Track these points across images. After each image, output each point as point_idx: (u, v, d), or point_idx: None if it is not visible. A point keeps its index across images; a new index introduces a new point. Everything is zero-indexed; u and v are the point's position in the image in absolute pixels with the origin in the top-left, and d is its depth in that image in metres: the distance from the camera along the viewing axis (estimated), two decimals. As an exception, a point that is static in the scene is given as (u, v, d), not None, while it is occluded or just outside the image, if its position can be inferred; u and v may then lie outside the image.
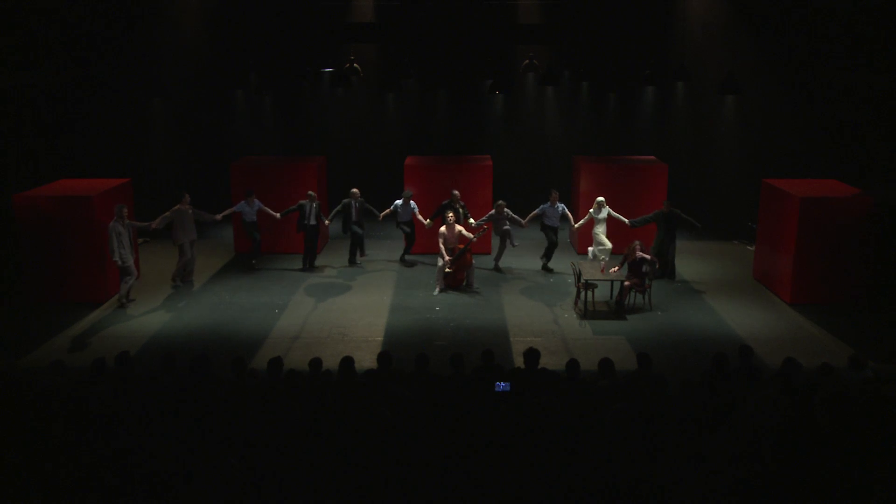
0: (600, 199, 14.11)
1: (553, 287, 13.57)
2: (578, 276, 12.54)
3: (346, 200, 14.39)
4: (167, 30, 16.80)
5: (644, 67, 17.36)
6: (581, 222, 14.37)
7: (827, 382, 7.61)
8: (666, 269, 13.72)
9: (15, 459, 6.21)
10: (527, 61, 18.59)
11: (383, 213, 14.52)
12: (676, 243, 13.85)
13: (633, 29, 17.99)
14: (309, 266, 14.40)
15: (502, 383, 7.52)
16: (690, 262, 14.75)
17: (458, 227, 13.29)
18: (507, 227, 14.12)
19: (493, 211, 14.14)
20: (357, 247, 14.70)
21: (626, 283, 12.09)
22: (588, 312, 12.17)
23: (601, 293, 12.69)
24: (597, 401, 7.16)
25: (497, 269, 14.45)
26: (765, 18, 15.53)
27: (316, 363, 7.94)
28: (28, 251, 12.43)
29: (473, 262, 13.47)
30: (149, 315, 12.09)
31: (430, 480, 6.06)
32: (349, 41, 18.35)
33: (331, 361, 8.59)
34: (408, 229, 14.69)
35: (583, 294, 12.31)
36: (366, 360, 10.11)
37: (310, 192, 14.25)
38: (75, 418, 6.78)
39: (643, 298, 12.47)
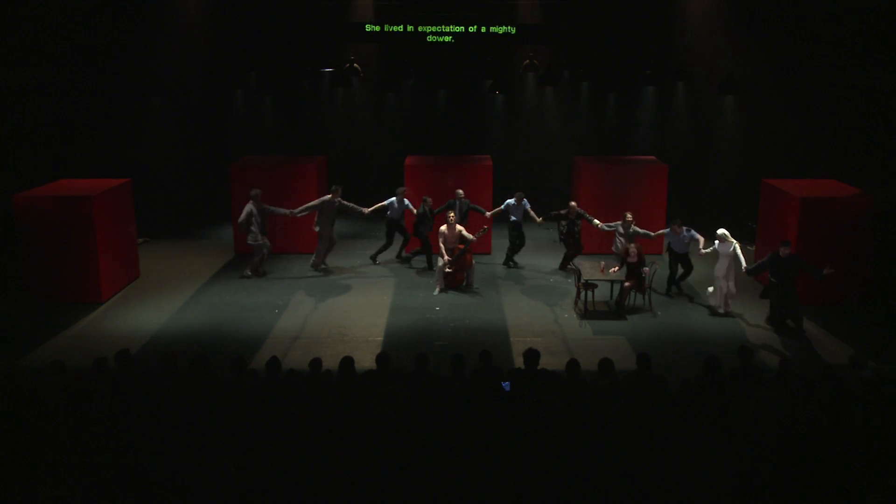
0: (722, 231, 12.08)
1: (553, 287, 13.57)
2: (578, 276, 12.54)
3: (451, 201, 14.35)
4: (167, 30, 16.81)
5: (644, 67, 17.37)
6: (705, 251, 12.47)
7: (827, 382, 7.60)
8: (791, 320, 11.49)
9: (15, 459, 6.21)
10: (527, 61, 18.59)
11: (492, 213, 14.45)
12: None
13: (633, 29, 18.00)
14: (428, 266, 14.51)
15: (506, 383, 7.54)
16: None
17: (459, 227, 13.29)
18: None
19: (619, 222, 13.31)
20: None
21: (627, 283, 12.08)
22: (588, 312, 12.17)
23: (601, 293, 12.69)
24: (597, 401, 7.16)
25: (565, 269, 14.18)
26: (765, 18, 15.53)
27: (316, 363, 7.94)
28: (28, 251, 12.43)
29: (474, 262, 13.47)
30: (149, 315, 12.08)
31: (430, 480, 6.06)
32: (349, 41, 18.37)
33: (331, 361, 8.59)
34: (514, 231, 14.47)
35: (583, 294, 12.31)
36: (366, 360, 10.10)
37: (426, 198, 14.27)
38: (75, 418, 6.79)
39: (643, 299, 12.47)
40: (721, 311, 12.07)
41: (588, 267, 12.81)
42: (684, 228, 12.71)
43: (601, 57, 18.13)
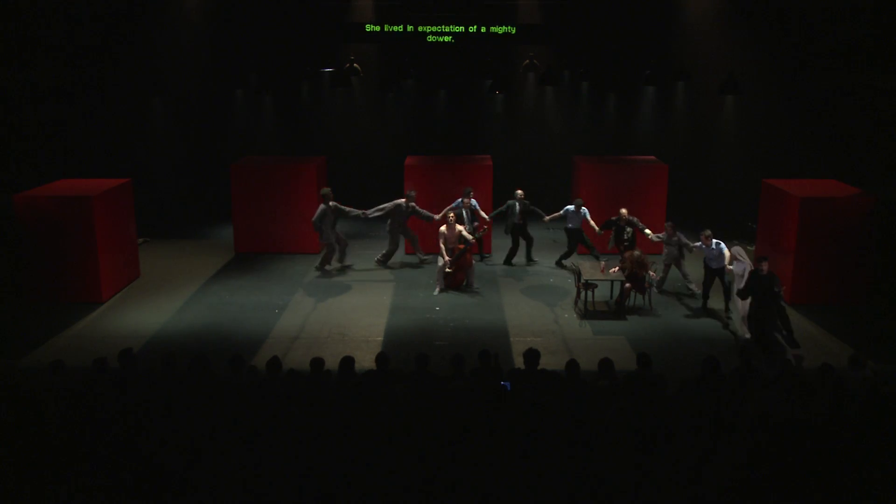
0: (736, 248, 11.39)
1: (553, 287, 13.57)
2: (578, 276, 12.54)
3: (510, 202, 14.35)
4: (167, 30, 16.81)
5: (644, 67, 17.37)
6: (730, 268, 11.53)
7: (827, 382, 7.61)
8: (768, 347, 10.31)
9: (15, 459, 6.21)
10: (527, 61, 18.59)
11: (550, 217, 14.24)
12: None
13: (633, 29, 17.99)
14: (508, 263, 14.72)
15: (507, 383, 7.55)
16: (690, 263, 14.73)
17: (459, 227, 13.29)
18: (676, 253, 12.57)
19: (661, 234, 12.93)
20: (530, 248, 14.76)
21: (627, 284, 12.08)
22: (588, 312, 12.17)
23: (601, 293, 12.69)
24: (597, 401, 7.16)
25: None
26: (765, 18, 15.53)
27: (317, 363, 7.94)
28: (28, 251, 12.43)
29: (474, 262, 13.46)
30: (149, 315, 12.08)
31: (430, 480, 6.06)
32: (349, 41, 18.37)
33: (331, 361, 8.58)
34: (572, 238, 14.33)
35: (583, 294, 12.31)
36: (366, 360, 10.10)
37: (518, 191, 14.33)
38: (75, 418, 6.79)
39: (643, 299, 12.47)
40: (747, 335, 10.91)
41: (588, 267, 12.81)
42: (713, 241, 11.85)
43: (601, 57, 18.12)
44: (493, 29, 17.24)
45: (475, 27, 17.22)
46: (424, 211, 14.28)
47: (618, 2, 17.86)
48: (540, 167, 19.21)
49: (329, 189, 14.04)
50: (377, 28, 17.29)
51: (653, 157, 16.65)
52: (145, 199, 15.33)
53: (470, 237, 13.24)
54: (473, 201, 14.28)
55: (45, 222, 12.33)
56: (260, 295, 13.00)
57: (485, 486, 5.99)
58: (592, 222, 14.06)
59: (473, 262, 13.45)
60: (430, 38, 17.22)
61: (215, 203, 17.75)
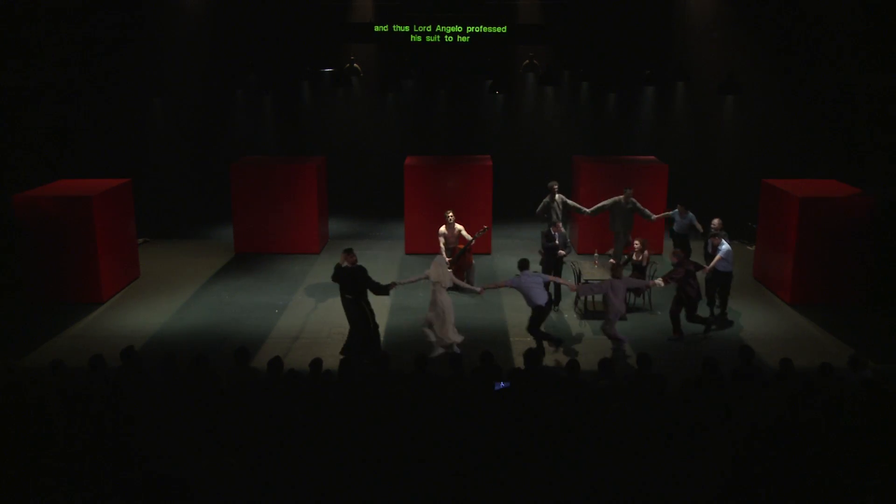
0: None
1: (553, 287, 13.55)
2: (578, 276, 12.54)
3: (547, 198, 14.37)
4: (167, 30, 16.81)
5: (644, 67, 17.37)
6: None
7: (827, 382, 7.60)
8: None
9: (15, 459, 6.21)
10: (527, 61, 18.60)
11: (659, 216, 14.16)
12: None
13: (633, 29, 18.00)
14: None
15: (502, 382, 7.54)
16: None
17: (458, 227, 13.28)
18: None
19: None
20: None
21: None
22: (588, 312, 12.16)
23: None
24: (597, 401, 7.16)
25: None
26: (765, 18, 15.53)
27: (317, 363, 7.94)
28: (28, 251, 12.43)
29: (474, 262, 13.45)
30: (149, 315, 12.08)
31: (430, 480, 6.06)
32: (350, 41, 18.38)
33: (331, 361, 8.60)
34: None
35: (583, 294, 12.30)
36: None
37: (627, 189, 14.07)
38: (75, 418, 6.79)
39: (643, 299, 12.46)
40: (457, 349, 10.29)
41: (588, 267, 12.81)
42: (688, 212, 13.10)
43: (601, 57, 18.13)
44: (492, 29, 17.25)
45: (475, 27, 17.23)
46: (646, 209, 14.00)
47: (618, 2, 17.87)
48: (540, 167, 19.21)
49: (555, 182, 14.12)
50: (379, 28, 17.27)
51: (653, 157, 16.65)
52: (145, 199, 15.33)
53: (469, 237, 13.22)
54: (690, 214, 13.77)
55: (45, 222, 12.32)
56: (260, 295, 13.00)
57: (485, 486, 5.99)
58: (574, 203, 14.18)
59: (473, 261, 13.44)
60: (430, 39, 17.22)
61: (215, 203, 17.75)
